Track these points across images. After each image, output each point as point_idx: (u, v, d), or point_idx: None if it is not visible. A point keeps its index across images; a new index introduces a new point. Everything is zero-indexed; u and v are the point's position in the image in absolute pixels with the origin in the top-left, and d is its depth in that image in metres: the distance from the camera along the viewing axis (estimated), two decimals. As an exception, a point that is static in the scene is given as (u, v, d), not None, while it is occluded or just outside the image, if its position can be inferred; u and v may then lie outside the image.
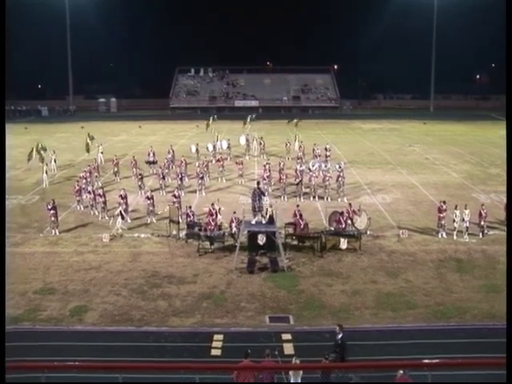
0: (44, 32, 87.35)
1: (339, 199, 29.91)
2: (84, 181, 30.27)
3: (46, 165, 35.13)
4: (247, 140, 44.44)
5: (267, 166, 32.87)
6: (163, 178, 32.45)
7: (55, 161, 38.63)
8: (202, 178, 32.24)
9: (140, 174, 32.62)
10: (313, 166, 32.91)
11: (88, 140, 41.67)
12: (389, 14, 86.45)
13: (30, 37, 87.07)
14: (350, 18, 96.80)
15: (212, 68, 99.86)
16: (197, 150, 40.71)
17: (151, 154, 38.51)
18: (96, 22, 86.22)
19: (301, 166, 33.53)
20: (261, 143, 43.92)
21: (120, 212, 25.10)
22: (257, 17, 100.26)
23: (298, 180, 31.05)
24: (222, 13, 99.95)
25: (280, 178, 31.37)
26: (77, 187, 29.01)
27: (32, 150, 35.76)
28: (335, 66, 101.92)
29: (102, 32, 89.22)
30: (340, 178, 30.67)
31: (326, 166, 33.30)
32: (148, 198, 26.84)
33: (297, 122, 53.02)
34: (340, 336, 13.86)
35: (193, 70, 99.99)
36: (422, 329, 16.36)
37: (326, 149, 40.03)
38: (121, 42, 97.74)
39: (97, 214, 27.59)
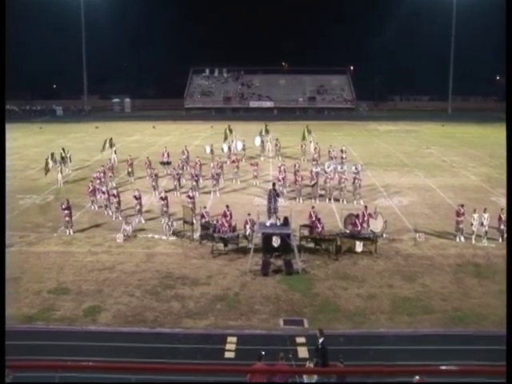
0: (59, 31, 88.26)
1: (355, 202, 29.81)
2: (98, 181, 30.45)
3: (61, 164, 35.41)
4: (262, 141, 44.48)
5: (282, 168, 32.86)
6: (178, 179, 32.57)
7: (70, 160, 38.98)
8: (217, 179, 32.30)
9: (155, 175, 32.67)
10: (328, 167, 32.87)
11: (107, 143, 41.74)
12: (406, 13, 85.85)
13: (45, 36, 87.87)
14: (366, 18, 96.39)
15: (227, 68, 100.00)
16: (211, 150, 40.83)
17: (165, 155, 38.65)
18: (111, 22, 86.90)
19: (316, 167, 33.46)
20: (276, 144, 43.95)
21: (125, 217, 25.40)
22: (272, 17, 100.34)
23: (313, 182, 31.04)
24: (237, 13, 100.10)
25: (295, 180, 31.35)
26: (91, 187, 29.23)
27: (47, 162, 35.74)
28: (351, 67, 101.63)
29: (117, 31, 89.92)
30: (356, 181, 30.60)
31: (341, 168, 33.20)
32: (162, 198, 26.95)
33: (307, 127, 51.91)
34: (321, 341, 13.76)
35: (207, 71, 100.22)
36: (440, 334, 16.23)
37: (341, 151, 39.91)
38: (135, 42, 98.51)
39: (110, 214, 27.78)
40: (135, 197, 27.15)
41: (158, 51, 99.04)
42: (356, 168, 32.39)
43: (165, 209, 26.61)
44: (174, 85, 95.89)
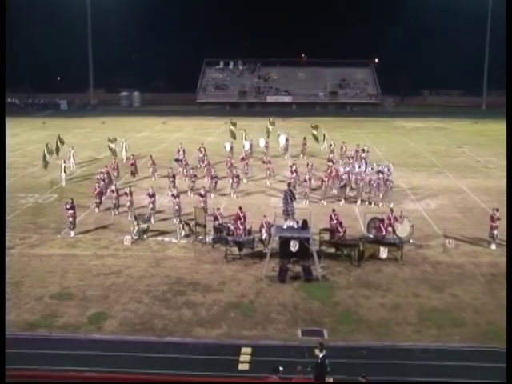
0: (63, 21, 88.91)
1: (382, 204, 29.77)
2: (102, 183, 30.36)
3: (64, 162, 35.77)
4: (287, 140, 44.32)
5: (293, 168, 33.00)
6: (193, 178, 32.48)
7: (74, 158, 39.31)
8: (238, 177, 32.16)
9: (173, 175, 32.48)
10: (359, 167, 32.93)
11: (58, 143, 41.29)
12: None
13: (49, 26, 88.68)
14: (392, 6, 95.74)
15: (242, 60, 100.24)
16: (231, 148, 41.09)
17: (181, 152, 39.07)
18: (118, 10, 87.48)
19: (345, 167, 33.62)
20: (305, 144, 43.87)
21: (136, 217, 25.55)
22: (291, 5, 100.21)
23: (342, 183, 31.08)
24: (253, 1, 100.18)
25: (322, 181, 31.46)
26: (97, 189, 29.39)
27: (44, 155, 36.18)
28: (376, 59, 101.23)
29: (125, 20, 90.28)
30: (388, 182, 30.73)
31: (372, 169, 33.22)
32: (174, 195, 27.28)
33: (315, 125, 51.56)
34: (321, 355, 13.69)
35: (222, 63, 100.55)
36: (471, 350, 16.06)
37: (363, 150, 39.64)
38: (145, 32, 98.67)
39: (116, 213, 28.17)
40: (149, 194, 27.53)
41: (169, 42, 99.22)
42: (388, 168, 32.64)
43: (176, 207, 26.88)
44: (186, 78, 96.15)
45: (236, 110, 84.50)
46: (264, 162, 36.57)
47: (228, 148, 42.00)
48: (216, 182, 32.16)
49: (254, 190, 33.66)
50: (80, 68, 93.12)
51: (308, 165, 34.74)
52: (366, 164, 34.42)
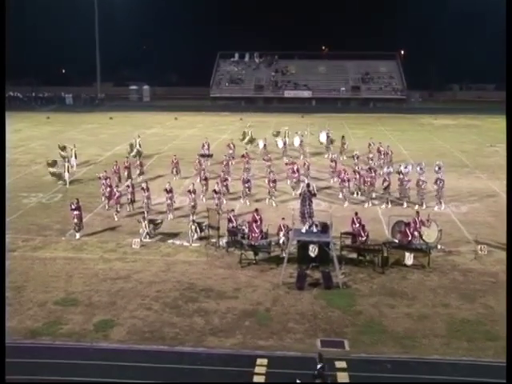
0: (69, 9, 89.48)
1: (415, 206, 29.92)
2: (109, 189, 29.78)
3: (68, 161, 35.92)
4: (328, 136, 44.14)
5: (295, 167, 33.21)
6: (225, 179, 31.76)
7: (76, 156, 39.13)
8: (274, 186, 31.13)
9: (205, 178, 31.91)
10: (405, 168, 33.07)
11: (61, 152, 40.33)
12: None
13: (54, 15, 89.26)
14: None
15: (259, 53, 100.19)
16: (264, 145, 41.28)
17: (206, 146, 39.33)
18: (128, 0, 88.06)
19: (388, 167, 33.85)
20: (344, 143, 43.15)
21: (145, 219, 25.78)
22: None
23: (386, 184, 31.12)
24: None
25: (364, 181, 31.56)
26: (105, 191, 29.66)
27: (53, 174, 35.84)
28: (402, 52, 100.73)
29: (135, 11, 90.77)
30: (421, 182, 30.91)
31: (406, 168, 33.45)
32: (190, 191, 27.82)
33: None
34: (319, 366, 13.64)
35: (237, 55, 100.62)
36: (505, 365, 15.86)
37: (378, 150, 39.46)
38: (155, 22, 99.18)
39: (132, 210, 28.91)
40: (166, 190, 28.14)
41: (181, 33, 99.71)
42: (421, 168, 32.94)
43: (192, 203, 27.51)
44: (199, 71, 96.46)
45: (252, 106, 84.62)
46: (304, 165, 35.19)
47: (280, 144, 42.16)
48: (249, 188, 31.33)
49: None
50: (87, 60, 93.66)
51: (305, 165, 34.97)
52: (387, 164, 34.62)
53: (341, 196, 31.65)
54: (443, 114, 74.73)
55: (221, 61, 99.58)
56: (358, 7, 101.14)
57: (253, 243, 22.86)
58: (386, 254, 22.46)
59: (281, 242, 23.09)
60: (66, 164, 35.43)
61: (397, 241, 23.21)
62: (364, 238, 22.96)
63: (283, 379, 13.80)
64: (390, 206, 30.54)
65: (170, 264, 22.55)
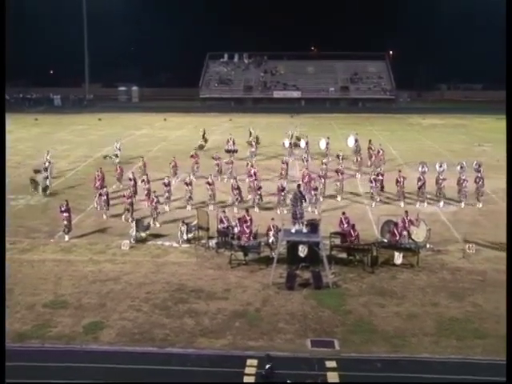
0: (57, 10, 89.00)
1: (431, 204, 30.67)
2: (105, 197, 28.92)
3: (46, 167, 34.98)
4: (356, 140, 42.39)
5: (305, 171, 32.36)
6: (259, 191, 30.24)
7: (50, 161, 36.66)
8: (316, 189, 30.03)
9: (238, 187, 29.80)
10: (440, 166, 33.49)
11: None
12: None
13: (42, 15, 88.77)
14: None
15: (248, 53, 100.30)
16: (290, 144, 41.12)
17: (230, 142, 39.56)
18: (116, 1, 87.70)
19: (423, 167, 34.03)
20: (370, 148, 40.43)
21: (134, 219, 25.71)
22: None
23: (420, 183, 31.24)
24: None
25: (397, 181, 31.33)
26: (98, 193, 29.50)
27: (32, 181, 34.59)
28: (390, 52, 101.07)
29: (123, 11, 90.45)
30: (440, 181, 31.33)
31: (441, 167, 34.32)
32: (187, 183, 28.99)
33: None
34: (267, 367, 13.70)
35: (226, 56, 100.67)
36: (494, 363, 15.95)
37: (370, 148, 39.58)
38: (144, 23, 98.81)
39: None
40: (164, 184, 29.18)
41: (170, 34, 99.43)
42: (462, 167, 33.55)
43: (189, 194, 28.97)
44: (188, 72, 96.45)
45: (241, 106, 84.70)
46: (337, 172, 32.64)
47: (323, 145, 41.66)
48: (260, 195, 30.25)
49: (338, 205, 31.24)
50: (75, 61, 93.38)
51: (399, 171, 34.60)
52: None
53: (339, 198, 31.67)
54: (431, 113, 75.12)
55: (210, 61, 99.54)
56: (346, 7, 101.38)
57: (243, 244, 22.88)
58: (375, 254, 22.54)
59: (270, 242, 23.12)
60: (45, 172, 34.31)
61: (386, 240, 23.25)
62: (353, 238, 23.01)
63: (273, 380, 13.79)
64: (425, 205, 30.57)
65: (159, 265, 22.49)
